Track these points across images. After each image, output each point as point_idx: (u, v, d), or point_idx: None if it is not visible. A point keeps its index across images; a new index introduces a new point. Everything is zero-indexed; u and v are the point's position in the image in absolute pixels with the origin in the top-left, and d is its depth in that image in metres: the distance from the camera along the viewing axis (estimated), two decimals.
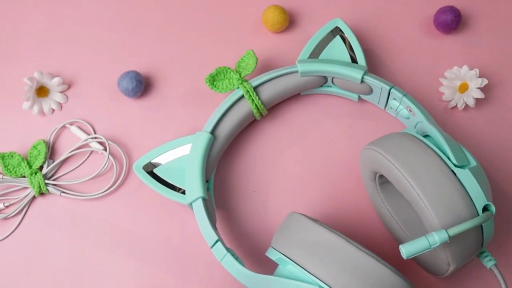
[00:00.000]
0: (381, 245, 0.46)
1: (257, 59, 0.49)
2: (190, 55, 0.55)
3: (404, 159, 0.40)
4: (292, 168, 0.50)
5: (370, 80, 0.48)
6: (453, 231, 0.36)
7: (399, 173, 0.40)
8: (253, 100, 0.49)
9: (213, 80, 0.50)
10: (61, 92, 0.53)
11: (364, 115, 0.51)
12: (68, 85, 0.53)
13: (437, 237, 0.36)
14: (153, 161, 0.47)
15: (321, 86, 0.51)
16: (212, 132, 0.48)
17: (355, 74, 0.48)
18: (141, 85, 0.51)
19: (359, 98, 0.51)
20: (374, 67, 0.53)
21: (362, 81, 0.48)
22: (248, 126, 0.51)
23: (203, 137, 0.47)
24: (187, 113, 0.52)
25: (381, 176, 0.45)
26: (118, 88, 0.51)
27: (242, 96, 0.49)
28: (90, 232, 0.48)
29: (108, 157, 0.49)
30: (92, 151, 0.51)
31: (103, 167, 0.49)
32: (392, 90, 0.48)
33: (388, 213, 0.47)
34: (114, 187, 0.49)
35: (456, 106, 0.51)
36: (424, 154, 0.40)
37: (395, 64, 0.53)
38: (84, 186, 0.50)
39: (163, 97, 0.53)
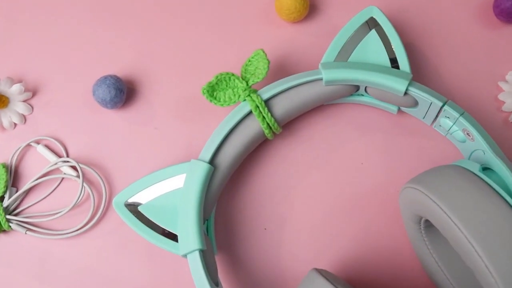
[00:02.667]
0: None
1: (269, 62, 0.38)
2: (184, 54, 0.43)
3: (460, 207, 0.32)
4: (312, 200, 0.40)
5: (416, 92, 0.37)
6: None
7: (454, 226, 0.31)
8: (263, 117, 0.38)
9: (212, 90, 0.39)
10: (24, 101, 0.43)
11: (405, 131, 0.41)
12: (32, 92, 0.43)
13: None
14: (137, 196, 0.38)
15: (351, 95, 0.40)
16: (211, 161, 0.37)
17: (398, 85, 0.37)
18: (122, 94, 0.41)
19: (399, 110, 0.40)
20: (415, 66, 0.42)
21: (405, 93, 0.37)
22: (257, 146, 0.41)
23: (200, 169, 0.37)
24: (180, 128, 0.42)
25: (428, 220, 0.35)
26: (94, 97, 0.41)
27: (250, 112, 0.38)
28: (62, 278, 0.40)
29: (83, 187, 0.39)
30: (63, 178, 0.41)
31: (78, 199, 0.39)
32: (445, 106, 0.37)
33: (435, 262, 0.37)
34: (91, 223, 0.40)
35: None
36: (487, 202, 0.31)
37: (442, 63, 0.42)
38: (55, 221, 0.40)
39: (150, 108, 0.42)
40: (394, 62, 0.39)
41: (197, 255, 0.35)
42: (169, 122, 0.42)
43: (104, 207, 0.40)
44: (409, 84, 0.37)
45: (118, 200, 0.38)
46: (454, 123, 0.37)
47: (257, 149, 0.41)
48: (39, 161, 0.42)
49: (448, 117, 0.37)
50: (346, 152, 0.41)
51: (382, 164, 0.40)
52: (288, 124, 0.41)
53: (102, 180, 0.40)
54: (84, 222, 0.40)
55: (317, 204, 0.40)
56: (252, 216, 0.40)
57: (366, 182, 0.40)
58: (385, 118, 0.41)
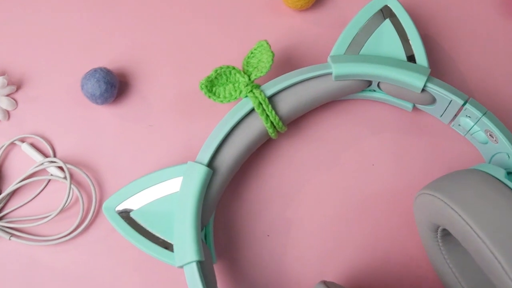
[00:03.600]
0: None
1: (273, 54, 0.35)
2: (181, 45, 0.40)
3: (484, 218, 0.29)
4: (319, 204, 0.37)
5: (435, 89, 0.34)
6: None
7: (476, 238, 0.29)
8: (267, 115, 0.35)
9: (211, 85, 0.36)
10: (8, 95, 0.39)
11: (420, 130, 0.38)
12: (16, 86, 0.40)
13: None
14: (129, 200, 0.35)
15: (362, 91, 0.37)
16: (210, 163, 0.34)
17: (415, 81, 0.34)
18: (113, 89, 0.37)
19: (414, 107, 0.37)
20: (432, 60, 0.38)
21: (423, 90, 0.34)
22: (260, 146, 0.37)
23: (198, 172, 0.33)
24: (177, 126, 0.39)
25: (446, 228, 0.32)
26: (82, 92, 0.37)
27: (252, 110, 0.35)
28: (49, 287, 0.37)
29: (70, 189, 0.36)
30: (50, 180, 0.38)
31: (65, 202, 0.36)
32: (467, 105, 0.33)
33: (452, 273, 0.35)
34: (80, 229, 0.37)
35: None
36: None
37: (461, 56, 0.39)
38: (41, 227, 0.37)
39: (144, 104, 0.39)
40: (410, 56, 0.36)
41: (194, 267, 0.32)
42: (165, 119, 0.39)
43: (94, 211, 0.37)
44: (427, 80, 0.34)
45: (109, 205, 0.35)
46: (475, 123, 0.34)
47: (260, 149, 0.38)
48: (24, 161, 0.38)
49: (469, 117, 0.34)
50: (355, 153, 0.38)
51: (394, 165, 0.37)
52: (293, 122, 0.38)
53: (91, 182, 0.37)
54: (73, 227, 0.37)
55: (324, 209, 0.37)
56: (254, 222, 0.37)
57: (377, 185, 0.37)
58: (399, 116, 0.38)
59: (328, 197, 0.37)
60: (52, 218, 0.37)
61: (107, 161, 0.38)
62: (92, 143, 0.39)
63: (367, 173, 0.37)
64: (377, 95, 0.37)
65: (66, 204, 0.37)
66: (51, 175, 0.38)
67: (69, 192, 0.37)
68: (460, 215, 0.30)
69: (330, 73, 0.35)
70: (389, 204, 0.37)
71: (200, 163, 0.34)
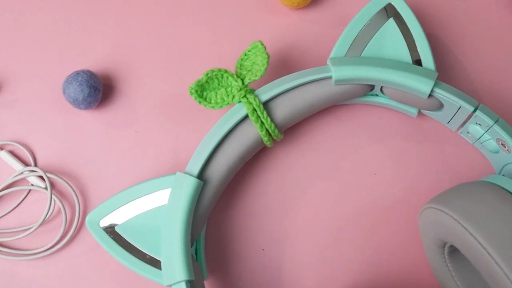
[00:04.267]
0: None
1: (268, 56, 0.33)
2: (170, 46, 0.38)
3: (497, 236, 0.27)
4: (317, 217, 0.35)
5: (443, 94, 0.31)
6: None
7: (488, 258, 0.27)
8: (262, 123, 0.32)
9: (202, 90, 0.33)
10: None
11: (425, 137, 0.36)
12: None
13: None
14: (114, 213, 0.32)
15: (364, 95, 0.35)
16: (201, 174, 0.32)
17: (422, 85, 0.31)
18: (97, 93, 0.35)
19: (419, 113, 0.35)
20: (439, 63, 0.36)
21: (430, 95, 0.32)
22: (254, 155, 0.35)
23: (187, 184, 0.31)
24: (166, 132, 0.36)
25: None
26: (64, 96, 0.35)
27: (246, 116, 0.33)
28: None
29: (51, 200, 0.34)
30: (30, 190, 0.36)
31: (46, 214, 0.34)
32: (477, 112, 0.31)
33: None
34: (63, 242, 0.35)
35: None
36: None
37: (470, 59, 0.37)
38: (21, 240, 0.35)
39: (131, 108, 0.37)
40: (416, 58, 0.33)
41: (183, 287, 0.30)
42: (153, 125, 0.36)
43: (77, 223, 0.35)
44: (435, 85, 0.31)
45: (92, 218, 0.32)
46: (486, 131, 0.32)
47: (254, 158, 0.35)
48: (2, 170, 0.36)
49: (479, 124, 0.32)
50: (356, 161, 0.36)
51: (398, 175, 0.35)
52: (290, 129, 0.36)
53: (74, 192, 0.35)
54: (55, 240, 0.35)
55: (323, 222, 0.35)
56: (248, 235, 0.35)
57: (380, 196, 0.35)
58: (403, 122, 0.36)
59: (327, 209, 0.35)
60: (34, 230, 0.34)
61: (91, 170, 0.36)
62: (75, 150, 0.36)
63: (369, 183, 0.35)
64: (380, 99, 0.35)
65: (48, 216, 0.35)
66: (32, 184, 0.36)
67: (50, 204, 0.34)
68: (470, 233, 0.28)
69: (330, 77, 0.33)
70: (392, 216, 0.35)
71: (190, 174, 0.32)
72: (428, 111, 0.34)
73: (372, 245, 0.34)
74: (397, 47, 0.34)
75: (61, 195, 0.36)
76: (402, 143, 0.36)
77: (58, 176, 0.35)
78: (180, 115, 0.36)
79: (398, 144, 0.36)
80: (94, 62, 0.37)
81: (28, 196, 0.36)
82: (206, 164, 0.32)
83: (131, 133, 0.36)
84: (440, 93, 0.32)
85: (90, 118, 0.37)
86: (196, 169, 0.32)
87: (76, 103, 0.35)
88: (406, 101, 0.34)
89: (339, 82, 0.33)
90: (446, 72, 0.36)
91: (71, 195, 0.36)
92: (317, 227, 0.35)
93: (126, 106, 0.37)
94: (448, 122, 0.34)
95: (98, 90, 0.35)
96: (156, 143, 0.36)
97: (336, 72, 0.32)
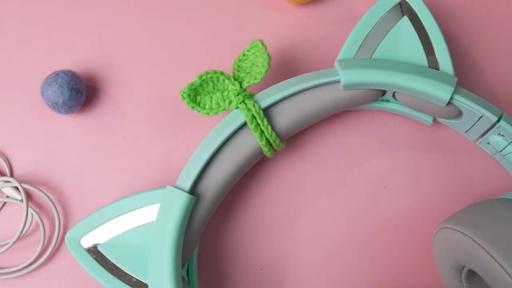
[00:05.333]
0: None
1: (269, 57, 0.30)
2: (162, 45, 0.34)
3: None
4: (321, 234, 0.32)
5: (463, 102, 0.28)
6: None
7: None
8: (262, 131, 0.29)
9: (195, 94, 0.30)
10: None
11: (440, 147, 0.33)
12: None
13: None
14: (97, 230, 0.29)
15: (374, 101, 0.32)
16: (193, 189, 0.29)
17: (440, 92, 0.28)
18: (79, 96, 0.32)
19: (434, 120, 0.32)
20: (455, 66, 0.33)
21: (448, 103, 0.29)
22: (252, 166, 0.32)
23: (178, 200, 0.28)
24: (155, 140, 0.33)
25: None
26: (43, 99, 0.32)
27: (244, 124, 0.29)
28: None
29: (27, 214, 0.31)
30: (5, 202, 0.32)
31: (22, 230, 0.31)
32: (501, 122, 0.28)
33: None
34: (41, 260, 0.31)
35: None
36: None
37: (489, 62, 0.34)
38: None
39: (117, 113, 0.33)
40: (432, 61, 0.30)
41: None
42: (141, 132, 0.33)
43: (57, 239, 0.32)
44: (454, 91, 0.28)
45: (73, 236, 0.29)
46: (510, 143, 0.29)
47: (252, 169, 0.32)
48: None
49: (503, 135, 0.29)
50: (365, 173, 0.33)
51: (410, 188, 0.32)
52: (292, 137, 0.32)
53: (54, 205, 0.32)
54: (32, 258, 0.31)
55: (327, 240, 0.32)
56: (245, 254, 0.32)
57: (390, 212, 0.32)
58: (416, 131, 0.33)
59: (332, 226, 0.32)
60: (9, 247, 0.31)
61: (73, 181, 0.33)
62: (55, 159, 0.33)
63: (378, 197, 0.32)
64: (392, 106, 0.32)
65: (24, 232, 0.32)
66: (7, 196, 0.32)
67: (26, 217, 0.31)
68: (496, 260, 0.25)
69: (338, 81, 0.30)
70: (403, 234, 0.32)
71: (181, 189, 0.28)
72: (444, 119, 0.31)
73: (380, 265, 0.32)
74: (411, 48, 0.30)
75: (40, 208, 0.33)
76: (414, 153, 0.33)
77: (36, 187, 0.32)
78: (172, 121, 0.33)
79: (411, 154, 0.33)
80: (76, 62, 0.34)
81: (3, 209, 0.33)
82: (199, 177, 0.29)
83: (117, 140, 0.33)
84: (460, 101, 0.28)
85: (72, 124, 0.33)
86: (188, 183, 0.29)
87: (55, 106, 0.32)
88: (421, 108, 0.30)
89: (348, 86, 0.29)
90: (463, 77, 0.33)
91: (50, 208, 0.32)
92: (321, 245, 0.32)
93: (112, 110, 0.33)
94: (466, 132, 0.31)
95: (81, 92, 0.32)
96: (145, 152, 0.33)
97: (345, 76, 0.29)
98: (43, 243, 0.32)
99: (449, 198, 0.32)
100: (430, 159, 0.33)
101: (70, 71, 0.32)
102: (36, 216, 0.32)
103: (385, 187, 0.33)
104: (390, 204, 0.32)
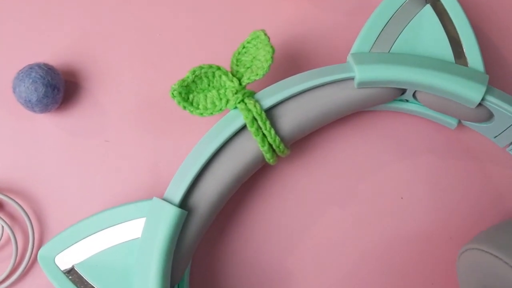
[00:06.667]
0: None
1: (273, 49, 0.26)
2: (149, 35, 0.31)
3: None
4: (329, 250, 0.29)
5: (496, 104, 0.25)
6: None
7: None
8: (264, 135, 0.25)
9: (187, 92, 0.26)
10: None
11: (465, 154, 0.29)
12: None
13: None
14: (75, 247, 0.26)
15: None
16: (184, 202, 0.25)
17: (470, 92, 0.25)
18: (57, 93, 0.28)
19: (459, 123, 0.28)
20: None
21: (479, 104, 0.25)
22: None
23: (166, 214, 0.24)
24: (142, 143, 0.29)
25: None
26: (15, 96, 0.28)
27: (244, 127, 0.26)
28: None
29: None
30: None
31: None
32: None
33: None
34: (14, 277, 0.28)
35: None
36: None
37: None
38: None
39: (99, 112, 0.30)
40: (459, 56, 0.26)
41: None
42: (126, 134, 0.29)
43: (31, 255, 0.28)
44: (487, 91, 0.25)
45: (46, 253, 0.26)
46: None
47: (252, 177, 0.28)
48: None
49: None
50: (379, 182, 0.29)
51: (430, 200, 0.29)
52: (298, 141, 0.29)
53: (28, 216, 0.28)
54: (4, 276, 0.28)
55: (337, 257, 0.28)
56: (243, 275, 0.28)
57: (407, 226, 0.29)
58: (438, 134, 0.29)
59: (342, 242, 0.29)
60: None
61: (49, 188, 0.29)
62: (29, 164, 0.29)
63: (394, 210, 0.29)
64: (411, 106, 0.28)
65: None
66: None
67: None
68: None
69: (352, 78, 0.26)
70: (423, 252, 0.28)
71: (170, 202, 0.25)
72: (471, 123, 0.28)
73: (397, 285, 0.28)
74: (435, 41, 0.27)
75: (12, 219, 0.29)
76: (436, 160, 0.29)
77: (7, 196, 0.28)
78: (161, 123, 0.29)
79: (431, 161, 0.29)
80: (54, 54, 0.30)
81: None
82: (191, 188, 0.25)
83: (100, 143, 0.29)
84: (493, 102, 0.25)
85: (48, 124, 0.30)
86: (178, 195, 0.25)
87: (29, 105, 0.28)
88: (445, 109, 0.27)
89: (363, 84, 0.26)
90: (492, 74, 0.29)
91: (23, 220, 0.29)
92: (329, 265, 0.28)
93: (93, 109, 0.30)
94: (496, 137, 0.28)
95: (58, 89, 0.28)
96: (131, 157, 0.29)
97: (361, 73, 0.25)
98: (15, 259, 0.28)
99: (475, 213, 0.28)
100: (453, 167, 0.29)
101: (46, 65, 0.29)
102: (7, 229, 0.28)
103: (402, 198, 0.29)
104: (407, 218, 0.29)
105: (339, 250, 0.28)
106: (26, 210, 0.29)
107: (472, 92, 0.25)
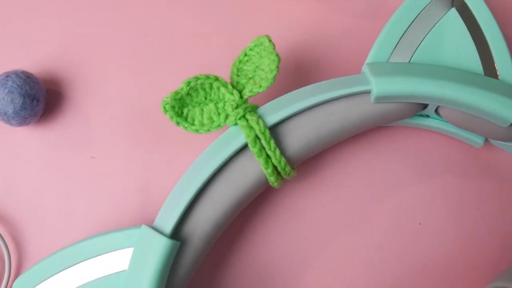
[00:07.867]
0: None
1: (279, 58, 0.23)
2: (140, 41, 0.28)
3: None
4: (340, 281, 0.26)
5: None
6: None
7: None
8: (268, 156, 0.23)
9: (181, 105, 0.23)
10: None
11: (492, 175, 0.27)
12: None
13: None
14: (53, 280, 0.23)
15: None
16: (175, 232, 0.22)
17: (503, 109, 0.22)
18: (36, 104, 0.25)
19: (486, 142, 0.25)
20: None
21: None
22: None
23: (156, 246, 0.22)
24: (130, 160, 0.27)
25: None
26: None
27: (245, 146, 0.23)
28: None
29: None
30: None
31: None
32: None
33: None
34: None
35: None
36: None
37: None
38: None
39: (85, 125, 0.27)
40: (489, 67, 0.24)
41: None
42: (114, 150, 0.27)
43: (6, 285, 0.25)
44: None
45: (22, 286, 0.23)
46: None
47: (254, 200, 0.26)
48: None
49: None
50: (395, 205, 0.26)
51: (451, 226, 0.26)
52: (305, 161, 0.26)
53: (4, 241, 0.25)
54: None
55: (349, 283, 0.25)
56: None
57: (425, 256, 0.26)
58: (462, 154, 0.27)
59: (353, 272, 0.26)
60: None
61: (28, 210, 0.26)
62: (6, 183, 0.27)
63: (412, 237, 0.26)
64: (432, 123, 0.26)
65: None
66: None
67: None
68: None
69: (368, 92, 0.23)
70: (442, 283, 0.26)
71: (160, 232, 0.22)
72: (500, 142, 0.25)
73: None
74: (461, 49, 0.24)
75: None
76: (459, 182, 0.26)
77: None
78: (153, 137, 0.27)
79: (454, 183, 0.26)
80: (34, 61, 0.28)
81: None
82: (184, 215, 0.23)
83: (85, 160, 0.27)
84: None
85: (28, 138, 0.27)
86: (169, 223, 0.22)
87: (5, 117, 0.25)
88: (471, 127, 0.24)
89: (381, 99, 0.23)
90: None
91: None
92: None
93: (78, 122, 0.27)
94: None
95: (37, 99, 0.26)
96: (118, 176, 0.26)
97: (378, 86, 0.22)
98: None
99: (502, 241, 0.26)
100: (478, 190, 0.26)
101: (24, 73, 0.26)
102: None
103: (420, 224, 0.26)
104: (425, 245, 0.26)
105: (349, 280, 0.26)
106: (2, 235, 0.26)
107: (505, 109, 0.22)
